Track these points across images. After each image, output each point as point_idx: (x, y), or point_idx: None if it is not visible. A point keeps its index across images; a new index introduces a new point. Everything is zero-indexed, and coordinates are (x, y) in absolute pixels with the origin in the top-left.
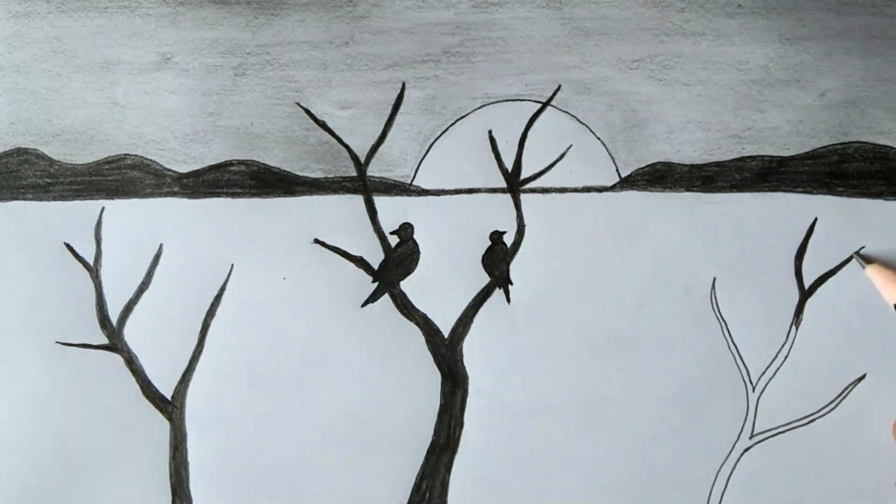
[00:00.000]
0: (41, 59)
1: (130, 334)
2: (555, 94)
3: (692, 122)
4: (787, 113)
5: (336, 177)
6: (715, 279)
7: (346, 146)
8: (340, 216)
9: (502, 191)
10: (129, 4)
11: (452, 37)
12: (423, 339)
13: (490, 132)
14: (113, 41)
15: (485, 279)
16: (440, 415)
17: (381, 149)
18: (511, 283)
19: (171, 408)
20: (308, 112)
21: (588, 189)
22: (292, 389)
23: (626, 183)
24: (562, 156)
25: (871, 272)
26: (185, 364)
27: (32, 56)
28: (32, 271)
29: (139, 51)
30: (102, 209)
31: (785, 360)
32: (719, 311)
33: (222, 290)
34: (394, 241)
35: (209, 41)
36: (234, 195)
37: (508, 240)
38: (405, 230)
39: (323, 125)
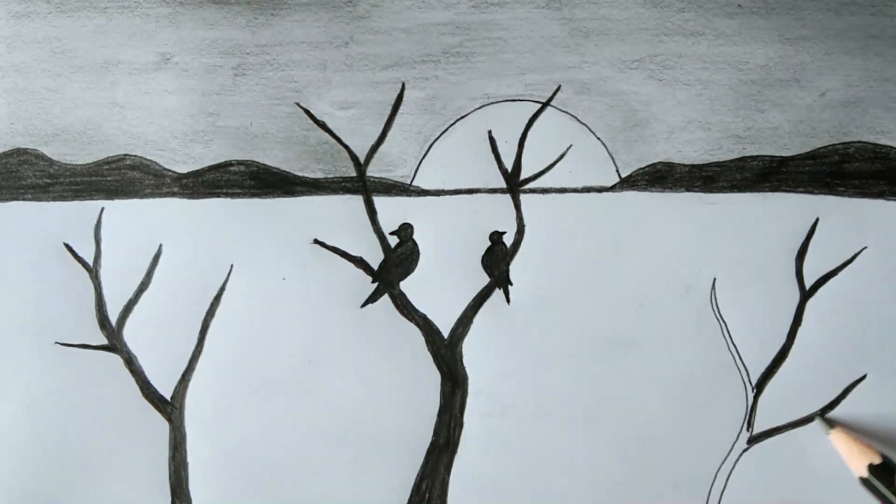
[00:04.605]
0: (41, 59)
1: (130, 335)
2: (555, 94)
3: (692, 122)
4: (788, 113)
5: (336, 177)
6: (715, 279)
7: (346, 146)
8: (340, 216)
9: (502, 191)
10: (129, 4)
11: (452, 37)
12: (422, 339)
13: (490, 132)
14: (113, 41)
15: (485, 279)
16: (440, 415)
17: (380, 149)
18: (511, 284)
19: (170, 408)
20: (308, 112)
21: (588, 189)
22: (292, 389)
23: (627, 183)
24: (562, 156)
25: (835, 437)
26: (185, 364)
27: (32, 56)
28: (32, 271)
29: (139, 51)
30: (102, 209)
31: (785, 360)
32: (719, 312)
33: (222, 290)
34: (393, 241)
35: (209, 41)
36: (233, 195)
37: (508, 240)
38: (405, 230)
39: (323, 125)
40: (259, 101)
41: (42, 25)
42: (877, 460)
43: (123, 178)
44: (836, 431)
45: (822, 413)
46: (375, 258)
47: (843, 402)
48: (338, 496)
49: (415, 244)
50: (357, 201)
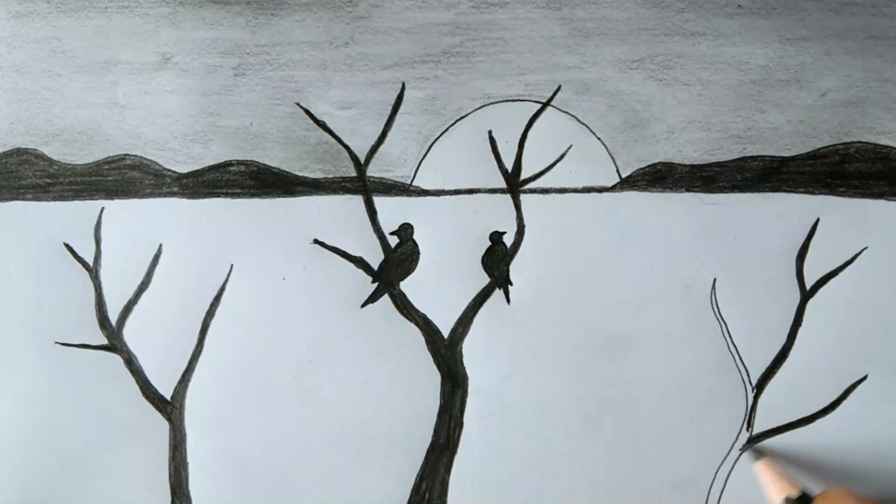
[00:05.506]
0: (41, 59)
1: (130, 334)
2: (555, 94)
3: (693, 122)
4: (788, 113)
5: (336, 177)
6: (715, 279)
7: (346, 146)
8: (340, 216)
9: (502, 191)
10: (129, 4)
11: (452, 37)
12: (422, 339)
13: (490, 132)
14: (113, 41)
15: (485, 279)
16: (440, 415)
17: (380, 149)
18: (511, 284)
19: (170, 408)
20: (308, 112)
21: (588, 189)
22: (292, 389)
23: (627, 183)
24: (562, 156)
25: (761, 468)
26: (185, 364)
27: (32, 56)
28: (32, 271)
29: (139, 51)
30: (102, 209)
31: (785, 360)
32: (719, 312)
33: (222, 290)
34: (393, 241)
35: (209, 41)
36: (233, 195)
37: (508, 240)
38: (405, 230)
39: (323, 125)
40: (259, 101)
41: (42, 25)
42: (794, 494)
43: (123, 178)
44: (763, 462)
45: (753, 443)
46: (375, 258)
47: (844, 403)
48: (338, 496)
49: (415, 244)
50: (357, 201)
